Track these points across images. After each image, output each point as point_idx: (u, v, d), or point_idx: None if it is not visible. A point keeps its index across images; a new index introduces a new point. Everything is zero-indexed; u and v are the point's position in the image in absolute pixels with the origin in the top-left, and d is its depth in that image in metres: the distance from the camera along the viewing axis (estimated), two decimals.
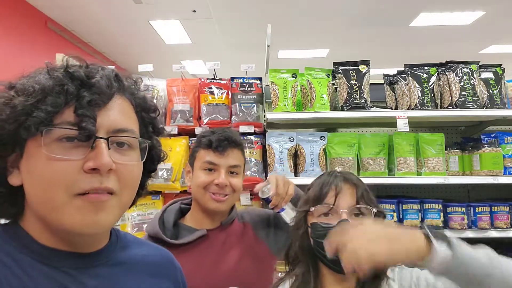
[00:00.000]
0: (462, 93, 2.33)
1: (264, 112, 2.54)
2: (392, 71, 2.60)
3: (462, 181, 2.31)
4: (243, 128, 2.36)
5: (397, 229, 0.89)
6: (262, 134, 2.45)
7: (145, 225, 2.20)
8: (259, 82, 2.49)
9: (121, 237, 0.80)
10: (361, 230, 0.89)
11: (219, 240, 1.39)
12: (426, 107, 2.33)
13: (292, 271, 1.18)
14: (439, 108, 2.40)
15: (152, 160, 0.79)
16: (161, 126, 0.82)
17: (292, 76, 2.38)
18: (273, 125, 2.57)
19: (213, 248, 1.37)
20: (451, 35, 6.84)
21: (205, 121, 2.42)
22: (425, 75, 2.39)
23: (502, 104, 2.37)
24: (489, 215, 2.29)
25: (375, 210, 1.10)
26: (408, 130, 2.22)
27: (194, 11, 5.97)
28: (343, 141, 2.34)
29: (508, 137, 2.38)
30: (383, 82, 2.57)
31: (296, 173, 2.34)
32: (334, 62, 2.45)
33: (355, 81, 2.34)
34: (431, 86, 2.38)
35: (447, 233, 1.38)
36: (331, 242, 0.92)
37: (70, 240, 0.68)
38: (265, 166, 2.37)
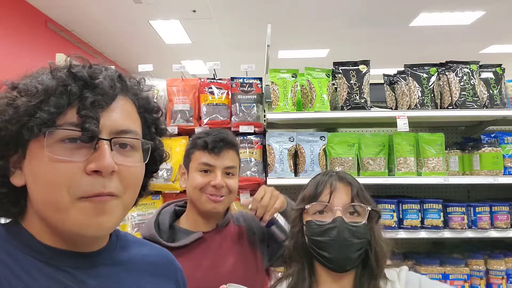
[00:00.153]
0: (462, 93, 2.33)
1: (264, 112, 2.54)
2: (392, 71, 2.60)
3: (462, 181, 2.31)
4: (243, 128, 2.36)
5: None
6: (262, 134, 2.45)
7: None
8: (259, 82, 2.49)
9: (121, 237, 0.80)
10: None
11: (215, 242, 1.39)
12: (426, 107, 2.33)
13: (289, 270, 1.19)
14: (439, 108, 2.40)
15: (154, 160, 0.79)
16: (164, 126, 0.82)
17: (292, 76, 2.38)
18: (273, 125, 2.57)
19: (210, 251, 1.36)
20: (451, 35, 6.84)
21: (205, 121, 2.42)
22: (425, 75, 2.39)
23: (502, 104, 2.37)
24: (489, 215, 2.29)
25: (369, 208, 1.11)
26: (408, 130, 2.22)
27: (194, 11, 5.97)
28: (343, 141, 2.34)
29: (508, 137, 2.38)
30: (383, 82, 2.57)
31: (296, 173, 2.34)
32: (334, 62, 2.45)
33: (355, 81, 2.34)
34: (431, 86, 2.38)
35: None
36: None
37: (71, 240, 0.68)
38: (265, 166, 2.37)
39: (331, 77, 2.41)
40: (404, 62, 2.50)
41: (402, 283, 1.09)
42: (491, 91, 2.39)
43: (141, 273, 0.78)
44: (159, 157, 0.81)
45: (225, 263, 1.35)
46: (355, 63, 2.40)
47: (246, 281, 1.32)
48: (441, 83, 2.43)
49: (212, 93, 2.47)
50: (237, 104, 2.43)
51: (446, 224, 2.29)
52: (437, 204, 2.28)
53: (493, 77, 2.42)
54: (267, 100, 2.56)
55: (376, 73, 2.73)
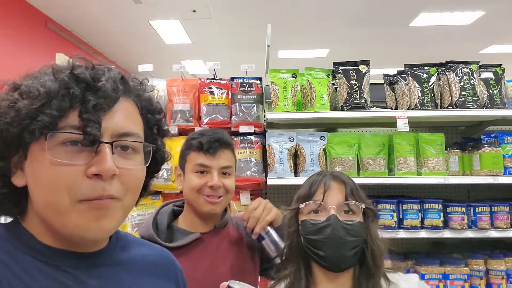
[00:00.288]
0: (462, 93, 2.33)
1: (264, 112, 2.54)
2: (392, 71, 2.60)
3: (462, 181, 2.31)
4: (243, 128, 2.36)
5: None
6: (262, 134, 2.45)
7: None
8: (259, 82, 2.49)
9: (121, 237, 0.80)
10: None
11: (213, 243, 1.38)
12: (426, 107, 2.33)
13: (285, 271, 1.19)
14: (439, 108, 2.40)
15: (156, 162, 0.78)
16: (166, 127, 0.81)
17: (292, 76, 2.38)
18: (273, 125, 2.57)
19: (208, 251, 1.36)
20: (451, 35, 6.84)
21: (205, 121, 2.42)
22: (425, 75, 2.39)
23: (502, 104, 2.37)
24: (489, 215, 2.29)
25: (363, 206, 1.11)
26: (408, 130, 2.22)
27: (194, 11, 5.97)
28: (343, 141, 2.34)
29: (508, 137, 2.38)
30: (383, 82, 2.57)
31: (296, 173, 2.34)
32: (334, 62, 2.45)
33: (355, 81, 2.34)
34: (431, 86, 2.38)
35: None
36: None
37: (71, 241, 0.68)
38: (265, 166, 2.37)
39: (331, 77, 2.41)
40: (404, 62, 2.50)
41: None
42: (491, 91, 2.39)
43: (141, 273, 0.78)
44: (160, 158, 0.81)
45: (223, 264, 1.35)
46: (355, 63, 2.40)
47: (245, 282, 1.31)
48: (441, 83, 2.43)
49: (212, 93, 2.47)
50: (237, 104, 2.43)
51: (446, 224, 2.29)
52: (437, 204, 2.28)
53: (493, 77, 2.42)
54: (267, 100, 2.56)
55: (376, 73, 2.73)
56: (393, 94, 2.53)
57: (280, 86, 2.35)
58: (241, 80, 2.48)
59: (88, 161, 0.63)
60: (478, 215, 2.28)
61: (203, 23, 6.37)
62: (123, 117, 0.68)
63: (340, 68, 2.39)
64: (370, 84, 2.40)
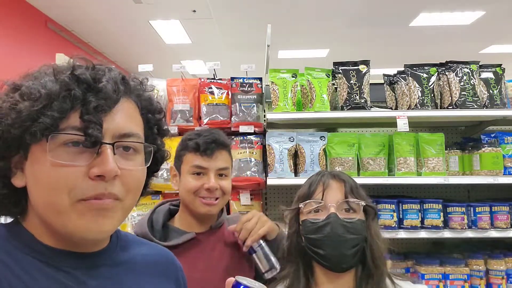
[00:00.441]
0: (462, 93, 2.33)
1: (264, 112, 2.54)
2: (392, 71, 2.60)
3: (462, 181, 2.31)
4: (243, 128, 2.36)
5: None
6: (262, 134, 2.45)
7: None
8: (259, 82, 2.49)
9: (121, 237, 0.80)
10: None
11: (209, 244, 1.37)
12: (426, 107, 2.33)
13: (283, 271, 1.19)
14: (439, 108, 2.40)
15: (156, 161, 0.79)
16: (166, 127, 0.82)
17: (292, 76, 2.38)
18: (273, 125, 2.57)
19: (204, 252, 1.35)
20: (451, 35, 6.84)
21: (205, 121, 2.42)
22: (425, 75, 2.39)
23: (502, 104, 2.37)
24: (489, 215, 2.29)
25: (363, 204, 1.11)
26: (408, 130, 2.22)
27: (194, 11, 5.97)
28: (343, 141, 2.34)
29: (508, 137, 2.38)
30: (383, 82, 2.56)
31: (296, 173, 2.34)
32: (334, 62, 2.45)
33: (355, 81, 2.34)
34: (431, 86, 2.38)
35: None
36: None
37: (71, 241, 0.68)
38: (265, 166, 2.37)
39: (331, 77, 2.41)
40: (404, 62, 2.50)
41: None
42: (491, 91, 2.39)
43: (141, 273, 0.78)
44: (160, 158, 0.81)
45: (219, 264, 1.34)
46: (355, 63, 2.40)
47: None
48: (441, 83, 2.43)
49: (212, 93, 2.47)
50: (237, 104, 2.43)
51: (446, 224, 2.29)
52: (437, 204, 2.28)
53: (493, 77, 2.42)
54: (267, 100, 2.56)
55: (376, 73, 2.73)
56: (393, 94, 2.53)
57: (280, 86, 2.35)
58: (241, 80, 2.48)
59: (90, 162, 0.63)
60: (478, 215, 2.28)
61: (203, 23, 6.37)
62: (124, 118, 0.68)
63: (340, 68, 2.39)
64: (370, 84, 2.40)
